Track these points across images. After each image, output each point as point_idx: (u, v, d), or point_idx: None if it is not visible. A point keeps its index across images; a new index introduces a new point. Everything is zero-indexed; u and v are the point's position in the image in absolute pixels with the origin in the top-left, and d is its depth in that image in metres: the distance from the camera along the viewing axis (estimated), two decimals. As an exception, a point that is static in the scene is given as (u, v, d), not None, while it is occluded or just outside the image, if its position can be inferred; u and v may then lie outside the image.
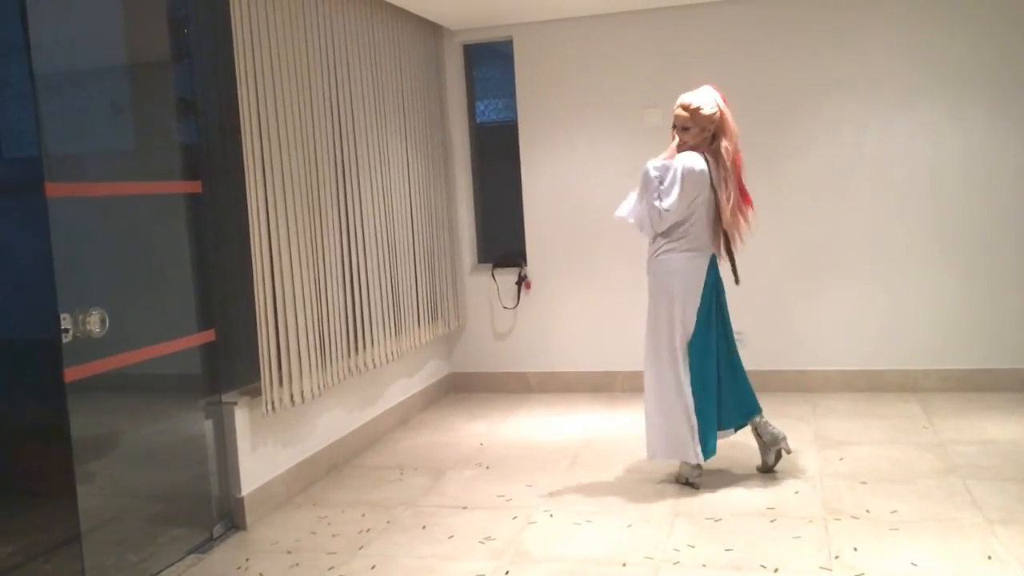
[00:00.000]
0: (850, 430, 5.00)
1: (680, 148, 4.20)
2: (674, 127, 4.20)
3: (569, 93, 6.14)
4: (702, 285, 4.20)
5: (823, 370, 5.88)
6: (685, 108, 4.13)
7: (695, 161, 4.10)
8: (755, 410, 4.34)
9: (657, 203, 4.10)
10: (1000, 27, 5.44)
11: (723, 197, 4.12)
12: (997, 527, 3.58)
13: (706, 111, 4.10)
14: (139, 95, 3.97)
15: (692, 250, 4.18)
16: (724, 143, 4.12)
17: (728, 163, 4.11)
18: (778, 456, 4.36)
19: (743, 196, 4.21)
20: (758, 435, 4.34)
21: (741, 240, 4.23)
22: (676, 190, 4.06)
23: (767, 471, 4.35)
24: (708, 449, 4.19)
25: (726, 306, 4.35)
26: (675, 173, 4.08)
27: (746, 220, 4.23)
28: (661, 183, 4.12)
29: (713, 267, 4.24)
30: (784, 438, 4.33)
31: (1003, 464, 4.31)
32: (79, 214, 3.49)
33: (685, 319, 4.19)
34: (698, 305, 4.19)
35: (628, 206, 4.27)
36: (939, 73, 5.55)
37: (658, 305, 4.23)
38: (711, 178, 4.13)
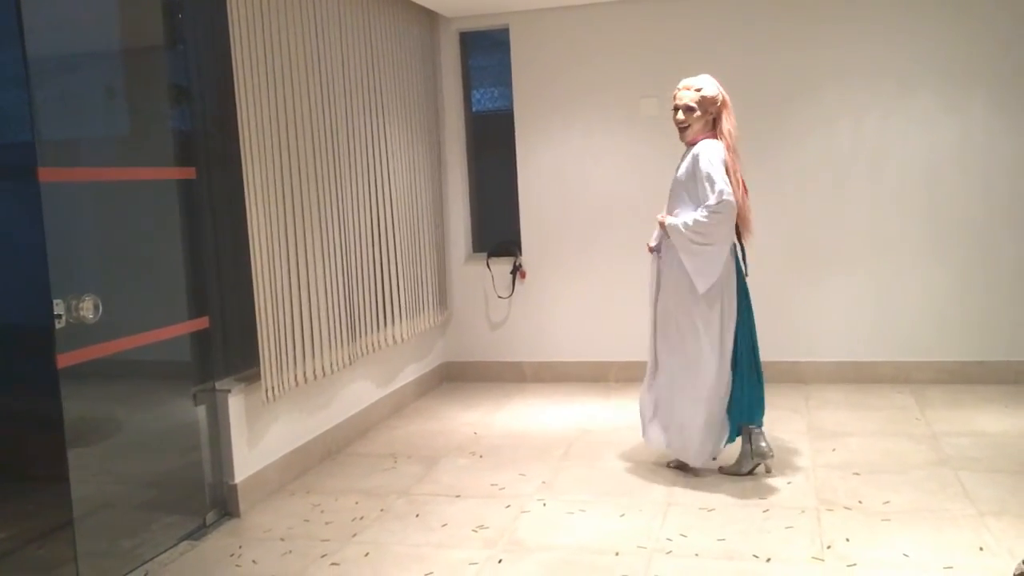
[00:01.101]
0: (843, 421, 5.01)
1: (684, 133, 4.13)
2: (676, 109, 4.12)
3: (566, 82, 6.12)
4: (735, 279, 4.12)
5: (817, 361, 5.89)
6: (688, 88, 4.09)
7: (720, 148, 4.01)
8: (756, 419, 4.22)
9: (710, 202, 3.91)
10: (998, 20, 5.43)
11: (733, 180, 4.00)
12: (989, 519, 3.59)
13: (710, 92, 4.06)
14: (133, 80, 3.94)
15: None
16: (727, 125, 4.06)
17: (733, 144, 4.05)
18: (754, 468, 4.22)
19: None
20: (747, 441, 4.22)
21: (750, 227, 4.13)
22: (720, 174, 3.92)
23: (733, 473, 4.22)
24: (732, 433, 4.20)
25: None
26: (706, 165, 3.96)
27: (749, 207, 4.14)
28: (703, 191, 3.99)
29: (736, 257, 4.15)
30: (772, 456, 4.19)
31: (995, 456, 4.32)
32: (73, 199, 3.47)
33: (727, 314, 4.08)
34: (736, 299, 4.11)
35: (706, 272, 4.01)
36: (937, 65, 5.55)
37: (699, 305, 4.07)
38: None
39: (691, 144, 4.13)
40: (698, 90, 4.07)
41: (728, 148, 4.04)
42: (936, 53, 5.54)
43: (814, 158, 5.78)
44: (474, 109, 6.57)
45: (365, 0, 5.16)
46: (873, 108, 5.67)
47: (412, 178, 5.77)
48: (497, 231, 6.52)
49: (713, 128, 4.10)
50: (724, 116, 4.08)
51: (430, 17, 6.16)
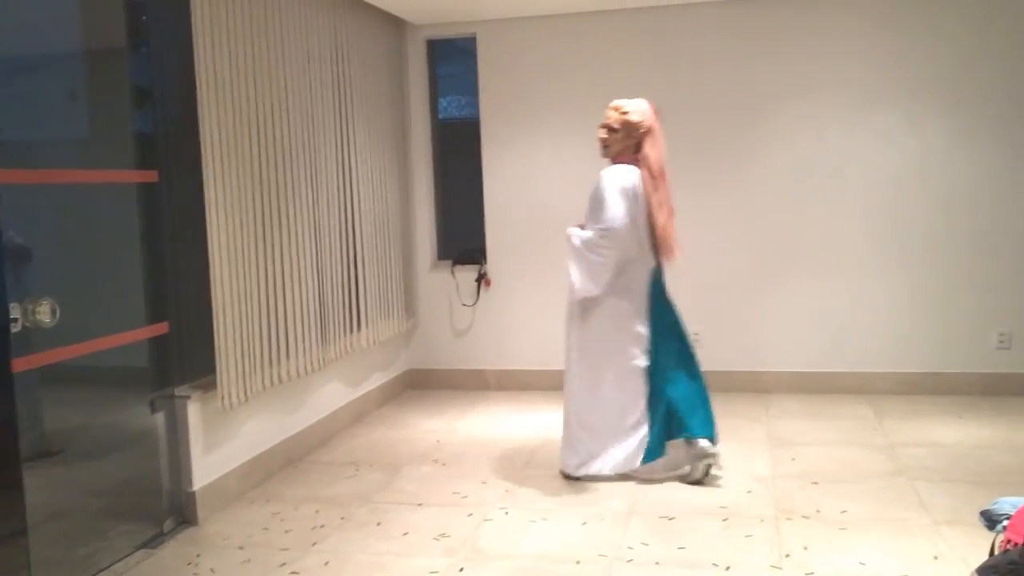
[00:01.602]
0: (802, 431, 5.07)
1: (605, 151, 4.29)
2: (601, 127, 4.28)
3: (532, 92, 6.14)
4: (648, 297, 4.25)
5: (777, 371, 5.95)
6: (616, 110, 4.24)
7: (624, 174, 4.17)
8: (705, 433, 4.28)
9: (599, 226, 4.13)
10: (959, 37, 5.53)
11: (654, 203, 4.16)
12: (943, 528, 3.65)
13: (635, 118, 4.19)
14: (95, 82, 3.90)
15: (634, 267, 4.24)
16: (649, 151, 4.18)
17: (654, 169, 4.16)
18: (707, 471, 4.24)
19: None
20: (689, 448, 4.27)
21: (673, 249, 4.22)
22: (612, 201, 4.12)
23: (691, 482, 4.24)
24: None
25: (678, 316, 4.35)
26: (603, 190, 4.15)
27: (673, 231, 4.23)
28: (593, 218, 4.22)
29: (657, 279, 4.29)
30: (715, 452, 4.24)
31: (951, 466, 4.39)
32: (31, 202, 3.42)
33: (637, 334, 4.25)
34: (648, 319, 4.25)
35: (584, 280, 4.23)
36: (898, 80, 5.63)
37: (604, 323, 4.27)
38: (642, 189, 4.18)
39: (613, 162, 4.28)
40: (624, 113, 4.21)
41: (650, 175, 4.15)
42: (897, 69, 5.63)
43: (777, 170, 5.85)
44: (441, 117, 6.57)
45: (332, 5, 5.15)
46: (835, 122, 5.75)
47: (378, 184, 5.76)
48: (462, 239, 6.52)
49: (637, 152, 4.21)
50: (648, 142, 4.19)
51: (397, 24, 6.16)
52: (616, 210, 4.11)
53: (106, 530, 3.73)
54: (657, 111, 4.25)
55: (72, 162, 3.67)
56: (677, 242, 4.24)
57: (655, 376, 4.27)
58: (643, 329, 4.26)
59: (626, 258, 4.21)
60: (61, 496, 3.65)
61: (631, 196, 4.14)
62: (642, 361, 4.27)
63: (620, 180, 4.16)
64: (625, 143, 4.22)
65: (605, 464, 4.32)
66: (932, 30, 5.56)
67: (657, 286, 4.30)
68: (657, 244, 4.21)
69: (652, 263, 4.27)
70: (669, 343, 4.29)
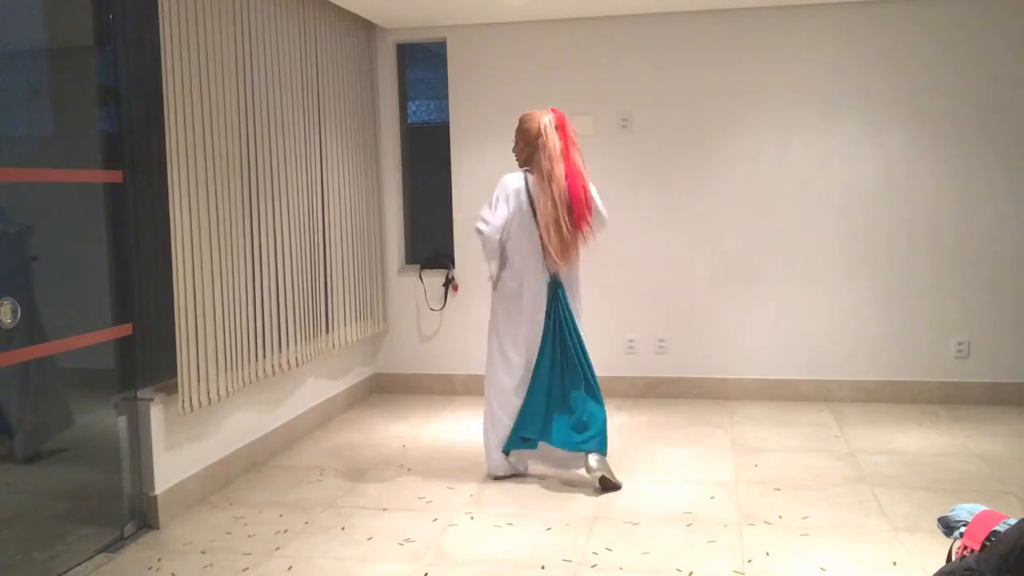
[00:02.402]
0: (765, 437, 5.12)
1: (519, 164, 4.43)
2: None
3: (502, 97, 6.15)
4: (540, 305, 4.33)
5: (741, 378, 6.01)
6: (520, 120, 4.39)
7: (511, 178, 4.36)
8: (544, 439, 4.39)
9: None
10: (922, 47, 5.62)
11: (538, 212, 4.26)
12: (903, 534, 3.70)
13: (525, 125, 4.34)
14: (59, 80, 3.85)
15: (521, 272, 4.33)
16: (542, 160, 4.27)
17: (545, 176, 4.23)
18: (603, 485, 4.26)
19: (576, 217, 4.23)
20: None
21: (557, 257, 4.25)
22: (488, 204, 4.34)
23: (611, 485, 4.28)
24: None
25: (572, 326, 4.35)
26: (493, 192, 4.37)
27: (560, 238, 4.23)
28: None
29: (553, 287, 4.33)
30: (598, 472, 4.26)
31: (910, 473, 4.45)
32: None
33: (519, 339, 4.37)
34: (540, 325, 4.33)
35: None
36: (862, 90, 5.71)
37: (496, 325, 4.44)
38: (529, 196, 4.29)
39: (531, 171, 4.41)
40: (520, 123, 4.37)
41: (543, 180, 4.24)
42: (860, 81, 5.71)
43: (741, 180, 5.90)
44: (410, 121, 6.56)
45: (301, 7, 5.13)
46: (798, 133, 5.81)
47: (346, 188, 5.73)
48: (430, 243, 6.51)
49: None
50: (542, 152, 4.28)
51: (367, 27, 6.14)
52: (488, 212, 4.34)
53: (65, 534, 3.68)
54: (563, 120, 4.31)
55: (36, 161, 3.63)
56: (567, 249, 4.26)
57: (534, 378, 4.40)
58: (534, 336, 4.35)
59: (519, 264, 4.34)
60: (19, 498, 3.59)
61: (512, 201, 4.32)
62: (511, 357, 4.41)
63: (504, 187, 4.36)
64: (528, 151, 4.35)
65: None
66: (895, 40, 5.64)
67: (553, 292, 4.33)
68: (543, 249, 4.30)
69: (547, 271, 4.32)
70: (549, 352, 4.34)
